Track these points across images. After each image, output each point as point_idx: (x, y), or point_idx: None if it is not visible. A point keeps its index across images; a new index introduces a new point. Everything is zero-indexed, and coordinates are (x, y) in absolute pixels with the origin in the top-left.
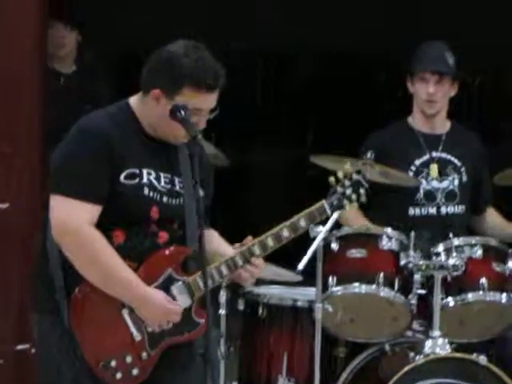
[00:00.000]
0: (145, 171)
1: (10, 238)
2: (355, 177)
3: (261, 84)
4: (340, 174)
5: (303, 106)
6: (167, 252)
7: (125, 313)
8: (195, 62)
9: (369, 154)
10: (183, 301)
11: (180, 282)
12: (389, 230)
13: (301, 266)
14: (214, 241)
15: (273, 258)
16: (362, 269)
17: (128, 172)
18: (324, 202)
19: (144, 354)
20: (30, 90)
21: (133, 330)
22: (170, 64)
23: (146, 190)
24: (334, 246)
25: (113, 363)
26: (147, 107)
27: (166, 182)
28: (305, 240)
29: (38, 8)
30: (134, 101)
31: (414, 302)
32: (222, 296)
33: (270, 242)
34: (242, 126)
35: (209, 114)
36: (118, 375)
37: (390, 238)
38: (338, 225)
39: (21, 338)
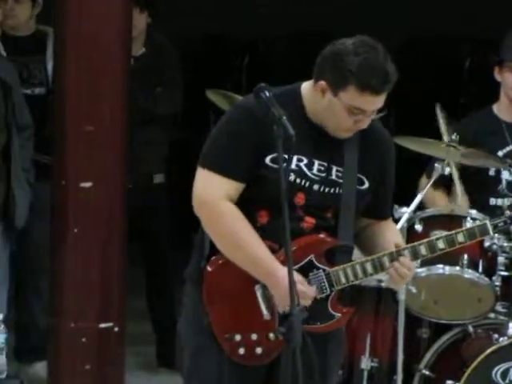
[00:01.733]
0: (295, 157)
1: (93, 217)
2: None
3: None
4: None
5: None
6: (313, 238)
7: (258, 290)
8: (364, 60)
9: (453, 137)
10: (319, 289)
11: (320, 271)
12: (473, 211)
13: None
14: (387, 235)
15: None
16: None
17: (273, 156)
18: (487, 222)
19: (271, 335)
20: (112, 69)
21: (263, 308)
22: (339, 59)
23: (293, 176)
24: (418, 227)
25: (237, 337)
26: (314, 96)
27: (319, 170)
28: None
29: None
30: (305, 86)
31: (497, 283)
32: None
33: (423, 250)
34: None
35: (375, 113)
36: (241, 350)
37: (474, 220)
38: (421, 207)
39: (104, 316)
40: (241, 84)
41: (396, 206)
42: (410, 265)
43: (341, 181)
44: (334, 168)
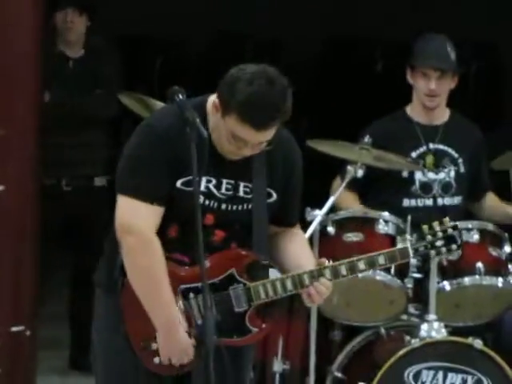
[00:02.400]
0: (204, 179)
1: (4, 221)
2: (451, 232)
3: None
4: (436, 225)
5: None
6: (234, 253)
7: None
8: (254, 93)
9: (366, 139)
10: (238, 303)
11: (240, 285)
12: (386, 213)
13: None
14: (298, 249)
15: None
16: (358, 253)
17: (185, 180)
18: (409, 247)
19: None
20: (23, 72)
21: (181, 320)
22: (233, 83)
23: (202, 198)
24: (331, 229)
25: (153, 346)
26: (212, 111)
27: (227, 189)
28: (301, 224)
29: None
30: (211, 99)
31: (410, 285)
32: None
33: (343, 271)
34: None
35: (261, 146)
36: (156, 360)
37: (386, 222)
38: (333, 209)
39: (15, 320)
40: (153, 87)
41: (308, 209)
42: (328, 284)
43: (249, 196)
44: (242, 184)
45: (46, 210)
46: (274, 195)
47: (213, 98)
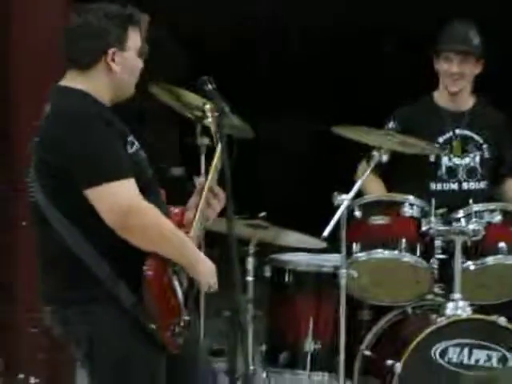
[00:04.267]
0: (130, 138)
1: None
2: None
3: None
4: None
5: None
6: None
7: (174, 279)
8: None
9: (391, 125)
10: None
11: None
12: (411, 197)
13: (326, 233)
14: None
15: (298, 225)
16: (384, 235)
17: (128, 140)
18: None
19: (186, 317)
20: None
21: (179, 295)
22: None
23: (142, 153)
24: (358, 213)
25: (176, 328)
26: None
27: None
28: (329, 208)
29: None
30: (79, 86)
31: (435, 266)
32: (249, 263)
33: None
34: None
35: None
36: (180, 340)
37: (411, 205)
38: (360, 194)
39: None
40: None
41: (335, 193)
42: (222, 196)
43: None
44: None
45: None
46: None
47: (78, 84)
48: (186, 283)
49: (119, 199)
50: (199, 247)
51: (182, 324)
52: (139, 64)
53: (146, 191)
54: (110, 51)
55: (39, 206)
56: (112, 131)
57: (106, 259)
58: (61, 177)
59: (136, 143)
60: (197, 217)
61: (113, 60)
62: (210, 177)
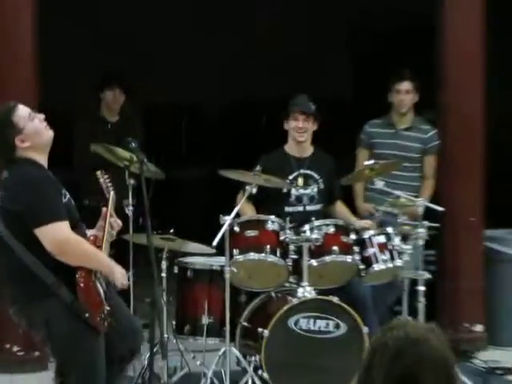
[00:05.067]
0: (64, 190)
1: None
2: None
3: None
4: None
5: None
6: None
7: (97, 283)
8: None
9: (257, 168)
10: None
11: None
12: (272, 216)
13: (215, 242)
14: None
15: (197, 238)
16: (255, 243)
17: (63, 192)
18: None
19: (107, 308)
20: None
21: (101, 294)
22: None
23: (71, 201)
24: (236, 228)
25: (102, 315)
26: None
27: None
28: (217, 225)
29: None
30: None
31: (290, 263)
32: (163, 264)
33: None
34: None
35: None
36: (105, 323)
37: (273, 222)
38: (238, 215)
39: None
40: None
41: (221, 216)
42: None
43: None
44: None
45: None
46: None
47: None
48: (105, 285)
49: (57, 236)
50: (110, 256)
51: (105, 312)
52: (35, 124)
53: (75, 227)
54: (17, 140)
55: (2, 236)
56: (52, 188)
57: (51, 272)
58: (18, 219)
59: (68, 195)
60: (105, 237)
61: (22, 142)
62: (110, 207)
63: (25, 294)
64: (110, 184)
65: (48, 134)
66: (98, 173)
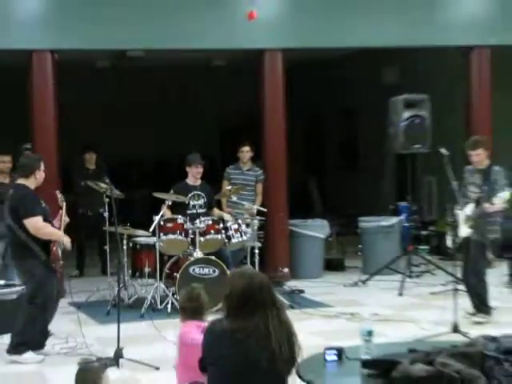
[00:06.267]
0: (42, 201)
1: None
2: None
3: None
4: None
5: None
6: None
7: (59, 247)
8: None
9: (171, 191)
10: None
11: None
12: (180, 216)
13: (151, 229)
14: None
15: (141, 227)
16: (171, 229)
17: (41, 202)
18: None
19: (61, 262)
20: None
21: (60, 254)
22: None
23: (46, 206)
24: (162, 222)
25: (59, 265)
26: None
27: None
28: (151, 220)
29: None
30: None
31: (189, 240)
32: (124, 242)
33: None
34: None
35: None
36: (60, 269)
37: (180, 219)
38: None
39: None
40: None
41: (153, 215)
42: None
43: None
44: None
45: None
46: None
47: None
48: (62, 248)
49: (35, 224)
50: (65, 232)
51: (60, 263)
52: (42, 173)
53: (45, 220)
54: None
55: (10, 225)
56: (36, 200)
57: (35, 243)
58: (15, 212)
59: (44, 203)
60: (62, 224)
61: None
62: (63, 210)
63: (21, 255)
64: (63, 199)
65: (42, 179)
66: (58, 193)
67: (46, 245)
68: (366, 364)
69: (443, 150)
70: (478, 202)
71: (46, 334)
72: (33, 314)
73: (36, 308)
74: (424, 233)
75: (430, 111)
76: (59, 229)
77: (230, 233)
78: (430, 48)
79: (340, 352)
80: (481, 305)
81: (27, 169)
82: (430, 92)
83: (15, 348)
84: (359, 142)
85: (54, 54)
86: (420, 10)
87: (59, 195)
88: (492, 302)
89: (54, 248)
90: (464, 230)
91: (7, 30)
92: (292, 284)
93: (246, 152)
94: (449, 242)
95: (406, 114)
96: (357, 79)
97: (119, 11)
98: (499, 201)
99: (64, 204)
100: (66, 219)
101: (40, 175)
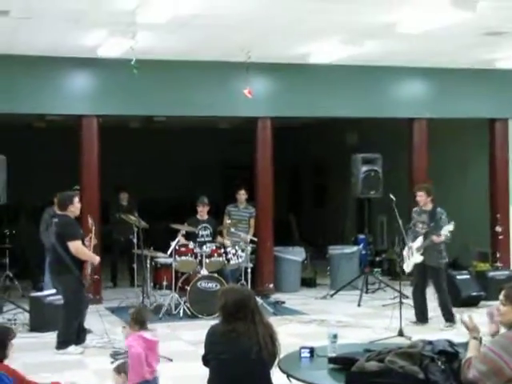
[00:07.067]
0: (80, 228)
1: None
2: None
3: None
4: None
5: None
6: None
7: (89, 266)
8: None
9: (185, 224)
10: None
11: None
12: (191, 242)
13: (168, 252)
14: None
15: (161, 250)
16: (184, 252)
17: (80, 228)
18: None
19: (95, 277)
20: None
21: (90, 272)
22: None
23: (81, 230)
24: (177, 247)
25: (88, 280)
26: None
27: None
28: (168, 245)
29: None
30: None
31: (198, 260)
32: (148, 261)
33: None
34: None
35: None
36: (88, 284)
37: (192, 245)
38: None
39: None
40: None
41: (171, 241)
42: None
43: None
44: None
45: None
46: None
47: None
48: (92, 268)
49: (77, 246)
50: (102, 254)
51: (89, 280)
52: (77, 204)
53: (82, 243)
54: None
55: (55, 245)
56: (76, 226)
57: (72, 261)
58: (61, 237)
59: (81, 230)
60: (91, 245)
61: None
62: (93, 233)
63: (58, 270)
64: (93, 224)
65: (78, 210)
66: (89, 218)
67: (80, 263)
68: (331, 360)
69: (391, 196)
70: (425, 236)
71: (83, 331)
72: (68, 317)
73: (71, 313)
74: (377, 258)
75: (381, 167)
76: (89, 247)
77: (229, 256)
78: (381, 118)
79: (312, 350)
80: (447, 315)
81: (61, 204)
82: (382, 152)
83: (60, 344)
84: (328, 188)
85: (98, 118)
86: (374, 88)
87: (90, 220)
88: (430, 313)
89: (86, 268)
90: (417, 258)
91: (61, 98)
92: (276, 296)
93: (242, 194)
94: (405, 267)
95: (364, 168)
96: (327, 140)
97: (148, 85)
98: (445, 232)
99: (93, 228)
100: (94, 240)
101: (75, 207)
